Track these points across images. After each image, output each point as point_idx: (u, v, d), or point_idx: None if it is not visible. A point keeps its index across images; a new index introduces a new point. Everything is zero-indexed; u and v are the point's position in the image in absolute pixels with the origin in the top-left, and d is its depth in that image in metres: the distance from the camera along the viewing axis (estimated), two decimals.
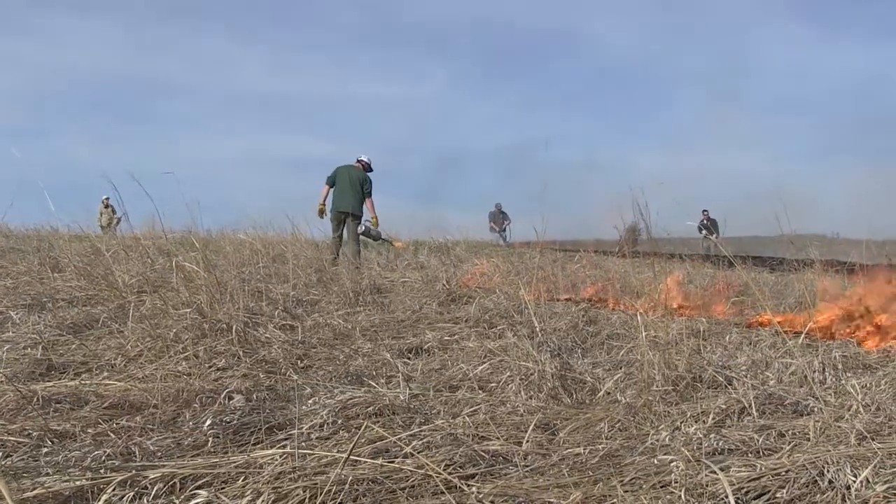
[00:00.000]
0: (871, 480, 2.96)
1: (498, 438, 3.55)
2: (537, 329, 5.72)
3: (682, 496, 2.76)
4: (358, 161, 13.44)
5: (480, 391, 4.51)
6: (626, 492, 2.88)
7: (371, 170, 13.48)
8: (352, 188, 13.05)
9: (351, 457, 2.95)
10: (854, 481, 2.95)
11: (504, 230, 28.87)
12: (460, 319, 7.29)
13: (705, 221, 24.55)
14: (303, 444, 3.42)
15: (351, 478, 2.89)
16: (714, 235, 22.91)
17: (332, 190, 13.25)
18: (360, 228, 13.34)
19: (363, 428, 3.16)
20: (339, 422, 3.79)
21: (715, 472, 2.86)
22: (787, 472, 3.06)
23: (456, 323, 7.13)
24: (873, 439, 3.43)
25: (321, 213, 13.30)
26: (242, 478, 2.93)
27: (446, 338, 6.31)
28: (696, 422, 3.81)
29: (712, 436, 3.51)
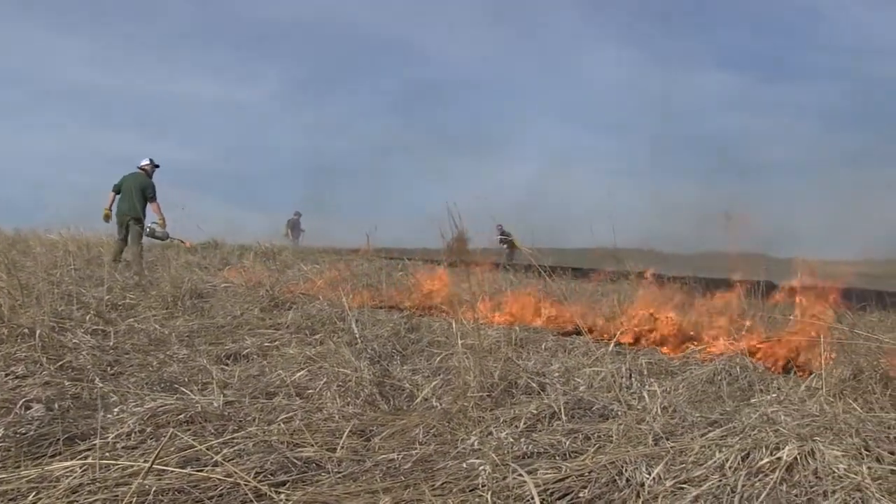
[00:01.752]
0: (662, 476, 3.16)
1: (312, 445, 3.51)
2: (357, 336, 5.72)
3: (489, 499, 2.83)
4: (140, 167, 13.92)
5: (297, 398, 4.45)
6: (436, 496, 2.92)
7: (157, 165, 14.06)
8: (134, 194, 13.55)
9: (157, 466, 2.84)
10: (648, 478, 3.14)
11: (298, 238, 29.30)
12: (282, 325, 7.18)
13: (501, 236, 25.41)
14: (107, 454, 3.25)
15: (155, 488, 2.77)
16: (510, 247, 24.05)
17: (118, 196, 13.73)
18: (146, 231, 13.63)
19: (168, 436, 3.05)
20: (148, 430, 3.63)
21: (522, 475, 2.95)
22: (590, 472, 3.20)
23: (277, 329, 7.02)
24: (668, 439, 3.66)
25: (107, 217, 13.76)
26: (34, 493, 2.75)
27: (266, 344, 6.20)
28: (508, 426, 3.92)
29: (523, 440, 3.62)
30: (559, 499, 3.02)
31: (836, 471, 3.17)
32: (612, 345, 5.97)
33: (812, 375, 4.99)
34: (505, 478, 3.01)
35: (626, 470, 3.21)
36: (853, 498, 2.95)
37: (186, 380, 4.81)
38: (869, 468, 3.18)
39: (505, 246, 24.63)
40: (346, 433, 3.67)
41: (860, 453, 3.40)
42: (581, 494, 3.05)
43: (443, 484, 3.07)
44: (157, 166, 13.83)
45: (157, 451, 2.84)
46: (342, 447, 3.53)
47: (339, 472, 3.21)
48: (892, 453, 3.40)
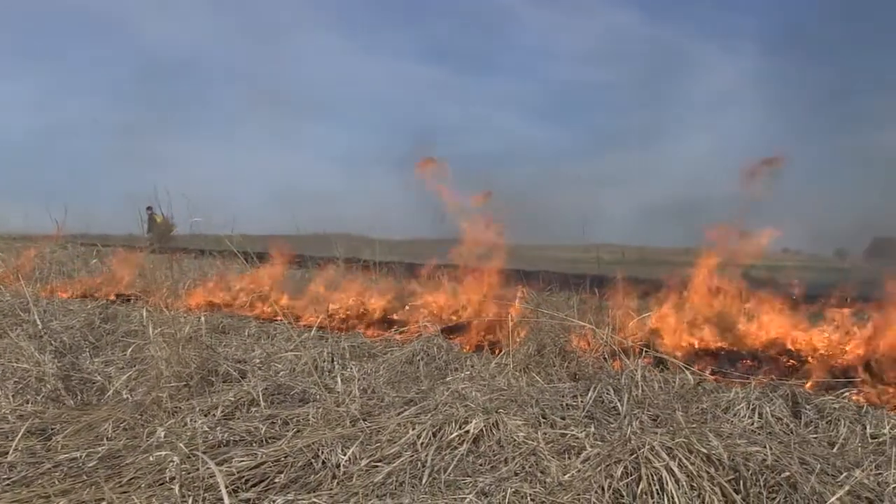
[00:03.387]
0: (358, 456, 3.23)
1: None
2: (41, 328, 5.28)
3: (178, 492, 2.73)
4: None
5: None
6: (122, 493, 2.77)
7: None
8: None
9: None
10: (343, 458, 3.19)
11: None
12: None
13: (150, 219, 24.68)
14: None
15: None
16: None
17: None
18: None
19: None
20: None
21: (210, 466, 2.87)
22: (286, 457, 3.20)
23: None
24: (365, 420, 3.74)
25: None
26: None
27: None
28: (205, 416, 3.80)
29: (219, 428, 3.53)
30: (254, 486, 2.98)
31: (517, 439, 3.42)
32: (314, 329, 6.01)
33: (502, 352, 5.34)
34: (197, 469, 2.91)
35: (322, 452, 3.24)
36: (529, 461, 3.20)
37: None
38: (544, 434, 3.48)
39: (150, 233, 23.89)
40: (20, 434, 3.36)
41: (538, 421, 3.70)
42: (277, 480, 3.04)
43: (130, 480, 2.92)
44: None
45: None
46: (16, 450, 3.23)
47: (10, 479, 2.94)
48: (563, 419, 3.74)
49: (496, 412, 3.63)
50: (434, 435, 3.43)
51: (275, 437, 3.52)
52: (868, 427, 3.78)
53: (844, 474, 2.88)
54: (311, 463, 3.17)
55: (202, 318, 5.15)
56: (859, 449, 3.52)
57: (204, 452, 3.04)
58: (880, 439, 3.68)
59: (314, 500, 2.84)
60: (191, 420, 3.68)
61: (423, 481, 3.06)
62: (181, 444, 3.11)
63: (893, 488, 2.89)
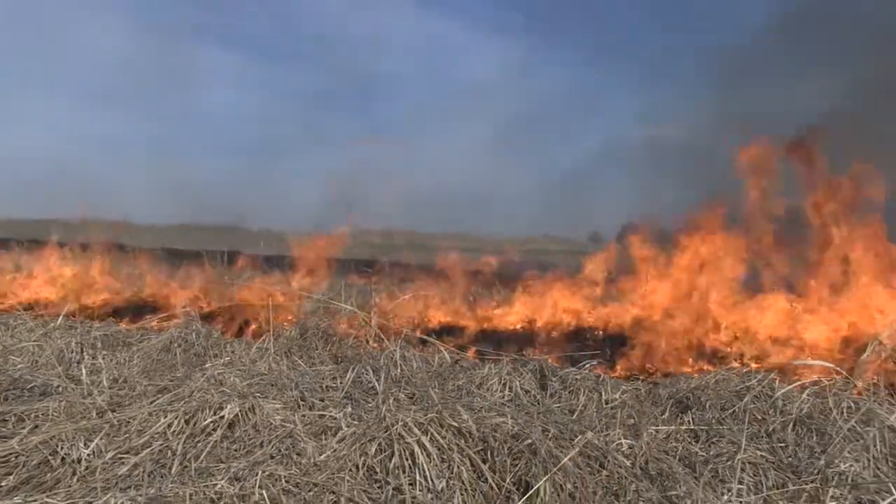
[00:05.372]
0: (103, 450, 3.05)
1: None
2: None
3: None
4: None
5: None
6: None
7: None
8: None
9: None
10: (86, 453, 3.00)
11: None
12: None
13: None
14: None
15: None
16: None
17: None
18: None
19: None
20: None
21: None
22: (17, 456, 2.97)
23: None
24: (113, 411, 3.54)
25: None
26: None
27: None
28: None
29: None
30: None
31: (274, 422, 3.37)
32: (59, 319, 5.60)
33: (263, 337, 5.25)
34: None
35: (61, 448, 3.04)
36: (285, 444, 3.17)
37: None
38: (302, 416, 3.45)
39: None
40: None
41: (297, 404, 3.67)
42: (4, 482, 2.81)
43: None
44: None
45: None
46: None
47: None
48: (322, 400, 3.73)
49: (253, 397, 3.56)
50: (187, 422, 3.31)
51: (6, 437, 3.25)
52: (603, 394, 4.09)
53: (579, 437, 3.09)
54: (49, 460, 2.96)
55: None
56: (594, 414, 3.80)
57: None
58: (612, 404, 3.99)
59: (47, 500, 2.64)
60: None
61: (173, 470, 2.94)
62: None
63: (616, 445, 3.15)
